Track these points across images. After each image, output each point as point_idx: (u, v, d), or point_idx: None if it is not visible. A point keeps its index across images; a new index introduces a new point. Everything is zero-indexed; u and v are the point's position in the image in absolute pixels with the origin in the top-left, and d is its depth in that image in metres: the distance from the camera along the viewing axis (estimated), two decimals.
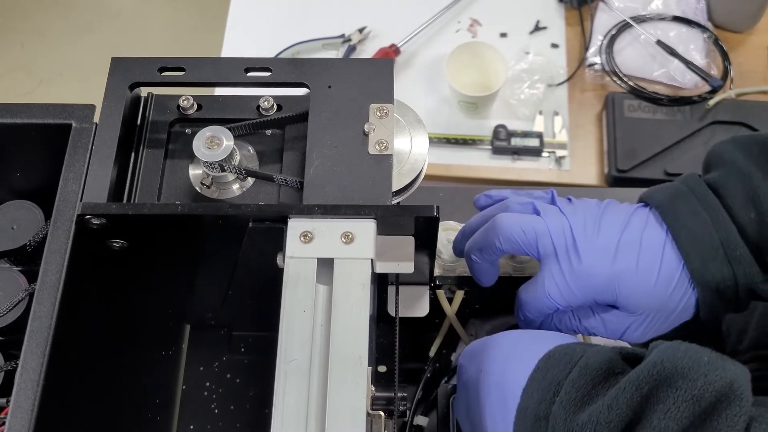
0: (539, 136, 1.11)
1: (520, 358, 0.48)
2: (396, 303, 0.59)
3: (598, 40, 1.19)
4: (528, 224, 0.54)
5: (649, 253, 0.52)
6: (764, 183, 0.51)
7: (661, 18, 1.19)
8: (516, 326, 0.63)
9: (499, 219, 0.55)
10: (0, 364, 0.56)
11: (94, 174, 0.53)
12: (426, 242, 0.53)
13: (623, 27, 1.19)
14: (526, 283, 0.57)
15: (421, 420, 0.66)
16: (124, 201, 0.54)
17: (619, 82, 1.15)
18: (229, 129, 0.53)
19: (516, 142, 1.11)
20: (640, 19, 1.19)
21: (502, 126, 1.12)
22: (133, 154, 0.56)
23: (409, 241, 0.52)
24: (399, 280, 0.61)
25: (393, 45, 1.18)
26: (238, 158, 0.55)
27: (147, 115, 0.58)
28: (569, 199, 0.57)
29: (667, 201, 0.53)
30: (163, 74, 0.56)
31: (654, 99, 1.12)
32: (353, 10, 1.24)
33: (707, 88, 1.12)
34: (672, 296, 0.52)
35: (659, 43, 1.16)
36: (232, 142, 0.53)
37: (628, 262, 0.52)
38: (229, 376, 0.72)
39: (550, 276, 0.54)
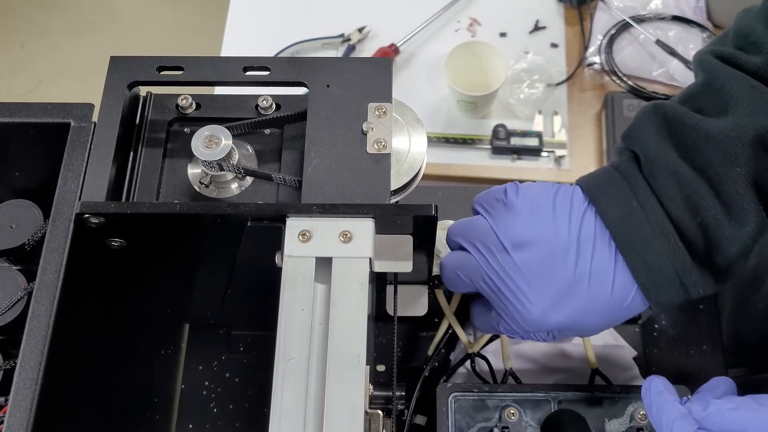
0: (539, 135, 1.11)
1: None
2: (394, 302, 0.59)
3: (597, 39, 1.19)
4: (462, 267, 0.54)
5: (600, 285, 0.51)
6: (698, 185, 0.48)
7: (661, 17, 1.19)
8: None
9: (443, 261, 0.56)
10: None
11: (93, 173, 0.53)
12: (424, 241, 0.53)
13: (623, 26, 1.19)
14: (477, 306, 0.58)
15: (419, 419, 0.66)
16: (123, 200, 0.54)
17: (618, 81, 1.15)
18: (228, 128, 0.53)
19: (515, 141, 1.11)
20: (640, 19, 1.19)
21: (502, 125, 1.12)
22: (131, 153, 0.56)
23: (407, 241, 0.52)
24: (397, 279, 0.61)
25: (392, 44, 1.18)
26: (237, 157, 0.55)
27: (146, 114, 0.58)
28: (504, 202, 0.54)
29: (619, 220, 0.50)
30: (162, 73, 0.56)
31: (653, 99, 1.11)
32: (353, 10, 1.24)
33: None
34: (623, 314, 0.52)
35: (658, 42, 1.16)
36: (230, 142, 0.53)
37: (577, 301, 0.51)
38: (228, 375, 0.72)
39: (497, 319, 0.55)
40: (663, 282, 0.50)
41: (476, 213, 0.56)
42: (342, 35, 1.21)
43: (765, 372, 0.75)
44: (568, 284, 0.51)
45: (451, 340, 0.67)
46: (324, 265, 0.49)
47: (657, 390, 0.50)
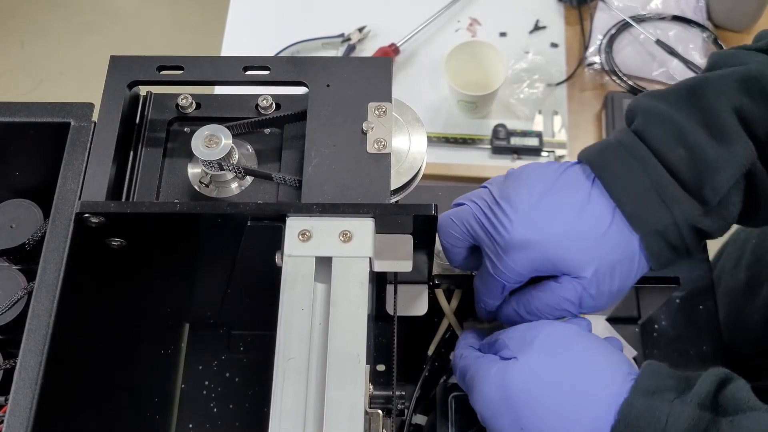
0: (539, 135, 1.11)
1: (575, 411, 0.47)
2: (394, 302, 0.59)
3: (597, 39, 1.19)
4: (456, 213, 0.55)
5: (576, 207, 0.52)
6: (686, 120, 0.51)
7: (661, 17, 1.19)
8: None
9: (439, 219, 0.56)
10: None
11: (93, 172, 0.53)
12: (424, 241, 0.53)
13: (623, 26, 1.19)
14: (478, 273, 0.58)
15: (419, 419, 0.66)
16: (123, 200, 0.54)
17: (618, 81, 1.15)
18: (228, 128, 0.53)
19: (515, 141, 1.11)
20: (640, 19, 1.19)
21: (502, 125, 1.12)
22: (131, 153, 0.56)
23: (407, 240, 0.52)
24: (397, 278, 0.61)
25: (392, 44, 1.18)
26: (237, 157, 0.55)
27: (146, 113, 0.58)
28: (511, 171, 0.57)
29: (596, 153, 0.54)
30: (162, 73, 0.56)
31: None
32: (353, 10, 1.24)
33: None
34: (610, 244, 0.52)
35: (659, 42, 1.16)
36: (230, 141, 0.53)
37: (555, 223, 0.52)
38: (228, 375, 0.72)
39: (487, 255, 0.54)
40: (639, 197, 0.51)
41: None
42: (342, 35, 1.21)
43: (758, 380, 0.75)
44: (547, 205, 0.53)
45: (451, 340, 0.67)
46: (324, 264, 0.49)
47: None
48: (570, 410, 0.47)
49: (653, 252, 0.52)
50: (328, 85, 0.55)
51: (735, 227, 0.94)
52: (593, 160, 0.54)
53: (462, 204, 0.56)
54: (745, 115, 0.51)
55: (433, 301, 0.64)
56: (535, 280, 0.55)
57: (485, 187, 0.57)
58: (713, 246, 0.94)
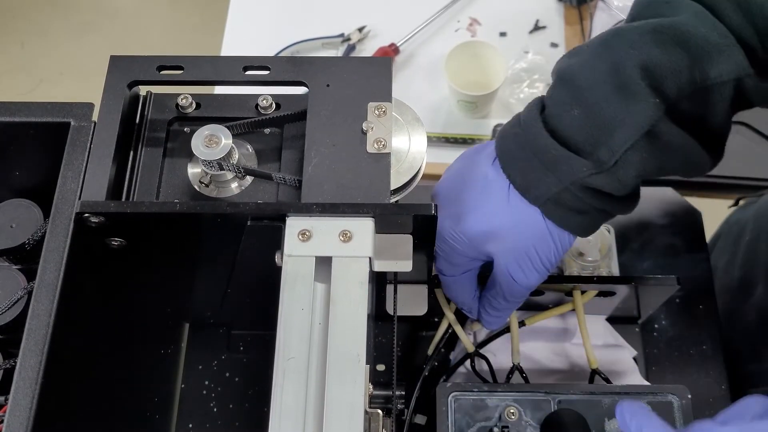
0: None
1: None
2: (394, 301, 0.59)
3: None
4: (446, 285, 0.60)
5: (478, 185, 0.53)
6: (590, 76, 0.48)
7: None
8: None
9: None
10: None
11: (93, 172, 0.53)
12: (424, 241, 0.53)
13: None
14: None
15: (419, 419, 0.66)
16: (123, 199, 0.54)
17: None
18: (228, 128, 0.53)
19: None
20: None
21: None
22: (131, 153, 0.56)
23: (407, 240, 0.52)
24: (397, 278, 0.61)
25: (392, 44, 1.18)
26: (237, 157, 0.55)
27: (146, 113, 0.58)
28: None
29: (503, 127, 0.54)
30: (161, 73, 0.56)
31: None
32: (353, 10, 1.23)
33: None
34: (516, 221, 0.52)
35: None
36: (230, 141, 0.53)
37: (462, 201, 0.54)
38: (228, 374, 0.72)
39: (440, 270, 0.58)
40: (523, 166, 0.51)
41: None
42: (342, 35, 1.21)
43: (753, 387, 0.75)
44: (458, 186, 0.55)
45: (451, 339, 0.67)
46: (324, 264, 0.49)
47: (634, 410, 0.47)
48: None
49: (558, 219, 0.51)
50: (328, 85, 0.55)
51: (725, 215, 0.94)
52: (497, 138, 0.54)
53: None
54: (654, 71, 0.47)
55: (433, 301, 0.64)
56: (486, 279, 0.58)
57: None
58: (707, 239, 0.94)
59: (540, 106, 0.52)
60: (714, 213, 0.96)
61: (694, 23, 0.47)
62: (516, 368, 0.63)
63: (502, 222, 0.53)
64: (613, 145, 0.48)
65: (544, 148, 0.49)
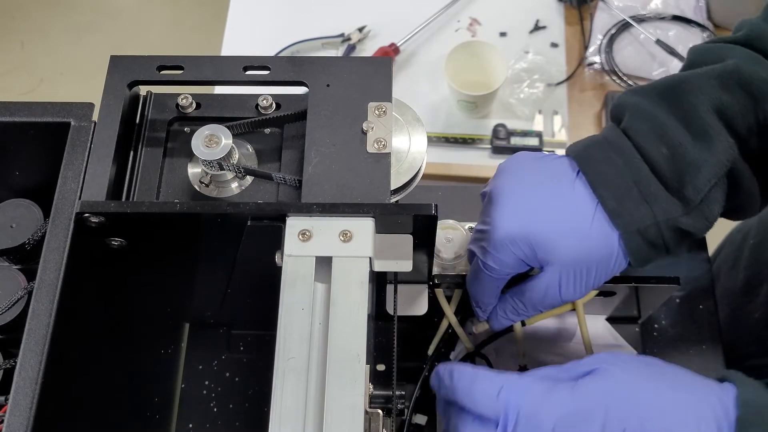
0: (539, 135, 1.11)
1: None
2: (394, 301, 0.59)
3: (597, 39, 1.19)
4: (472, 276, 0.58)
5: (560, 197, 0.53)
6: (669, 119, 0.51)
7: (661, 17, 1.19)
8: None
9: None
10: None
11: (93, 172, 0.53)
12: (425, 241, 0.53)
13: (623, 26, 1.19)
14: (469, 272, 0.59)
15: (419, 418, 0.66)
16: (123, 199, 0.54)
17: (618, 81, 1.15)
18: (228, 127, 0.53)
19: (515, 141, 1.11)
20: (640, 19, 1.19)
21: (502, 125, 1.12)
22: (131, 153, 0.56)
23: (407, 240, 0.52)
24: (397, 278, 0.61)
25: (393, 44, 1.18)
26: (237, 157, 0.55)
27: (146, 113, 0.58)
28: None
29: (582, 148, 0.54)
30: (162, 73, 0.56)
31: None
32: (353, 10, 1.24)
33: None
34: (591, 239, 0.52)
35: (659, 42, 1.16)
36: (230, 141, 0.53)
37: (539, 216, 0.53)
38: (228, 374, 0.72)
39: (478, 258, 0.56)
40: (621, 193, 0.51)
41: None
42: (342, 35, 1.21)
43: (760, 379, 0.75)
44: (532, 199, 0.54)
45: (451, 339, 0.67)
46: (324, 264, 0.49)
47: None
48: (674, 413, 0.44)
49: (632, 249, 0.52)
50: (328, 85, 0.55)
51: (731, 228, 0.94)
52: (579, 155, 0.54)
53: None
54: (724, 112, 0.51)
55: (433, 301, 0.64)
56: (516, 281, 0.57)
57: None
58: (717, 232, 0.94)
59: (623, 135, 0.53)
60: None
61: (753, 69, 0.52)
62: (522, 369, 0.63)
63: (578, 238, 0.53)
64: (698, 183, 0.50)
65: (646, 180, 0.51)
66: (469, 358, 0.65)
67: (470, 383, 0.48)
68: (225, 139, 0.52)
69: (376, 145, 0.53)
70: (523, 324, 0.65)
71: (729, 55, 0.54)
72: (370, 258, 0.49)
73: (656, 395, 0.45)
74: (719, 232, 0.95)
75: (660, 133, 0.51)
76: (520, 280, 0.58)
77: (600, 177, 0.52)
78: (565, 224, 0.53)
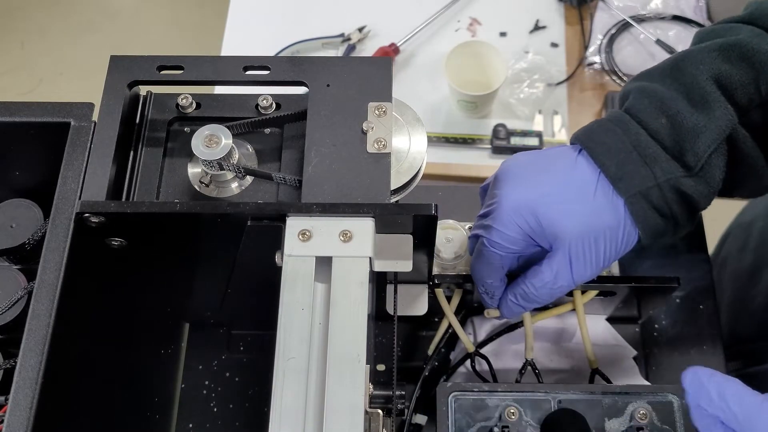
0: (539, 135, 1.11)
1: None
2: (394, 301, 0.59)
3: (597, 39, 1.19)
4: (478, 255, 0.58)
5: (570, 174, 0.54)
6: (668, 92, 0.53)
7: (661, 17, 1.19)
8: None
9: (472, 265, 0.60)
10: None
11: (93, 172, 0.53)
12: (425, 241, 0.53)
13: (623, 26, 1.19)
14: (473, 255, 0.59)
15: (419, 418, 0.66)
16: (123, 199, 0.54)
17: (618, 81, 1.14)
18: (228, 127, 0.53)
19: (515, 141, 1.11)
20: (640, 19, 1.19)
21: (502, 125, 1.12)
22: (131, 153, 0.56)
23: (407, 240, 0.52)
24: (397, 278, 0.61)
25: (393, 44, 1.18)
26: (237, 157, 0.55)
27: (146, 113, 0.58)
28: None
29: (583, 131, 0.56)
30: (162, 73, 0.56)
31: None
32: (353, 10, 1.24)
33: None
34: (596, 208, 0.53)
35: (659, 42, 1.16)
36: (230, 141, 0.53)
37: (543, 185, 0.54)
38: (228, 374, 0.72)
39: (482, 235, 0.56)
40: (621, 158, 0.53)
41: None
42: (342, 35, 1.21)
43: (759, 364, 0.75)
44: (535, 170, 0.56)
45: (451, 339, 0.67)
46: (324, 264, 0.49)
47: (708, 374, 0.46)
48: None
49: (639, 215, 0.53)
50: (328, 85, 0.55)
51: (740, 208, 0.94)
52: (579, 134, 0.56)
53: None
54: (725, 82, 0.52)
55: (433, 301, 0.64)
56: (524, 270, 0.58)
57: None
58: (717, 232, 0.94)
59: (622, 112, 0.55)
60: (715, 213, 0.96)
61: (756, 41, 0.52)
62: (528, 364, 0.63)
63: (583, 207, 0.54)
64: (698, 149, 0.52)
65: (645, 143, 0.53)
66: (469, 358, 0.65)
67: (750, 417, 0.43)
68: (225, 139, 0.52)
69: (376, 145, 0.53)
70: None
71: (732, 33, 0.55)
72: (370, 258, 0.49)
73: None
74: (720, 225, 0.95)
75: (659, 105, 0.53)
76: (527, 269, 0.58)
77: (600, 147, 0.54)
78: (569, 194, 0.54)
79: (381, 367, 0.64)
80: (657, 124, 0.53)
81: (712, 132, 0.51)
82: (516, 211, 0.54)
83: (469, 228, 0.65)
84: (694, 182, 0.52)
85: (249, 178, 0.56)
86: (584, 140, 0.55)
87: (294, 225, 0.49)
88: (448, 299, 0.65)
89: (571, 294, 0.64)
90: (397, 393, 0.54)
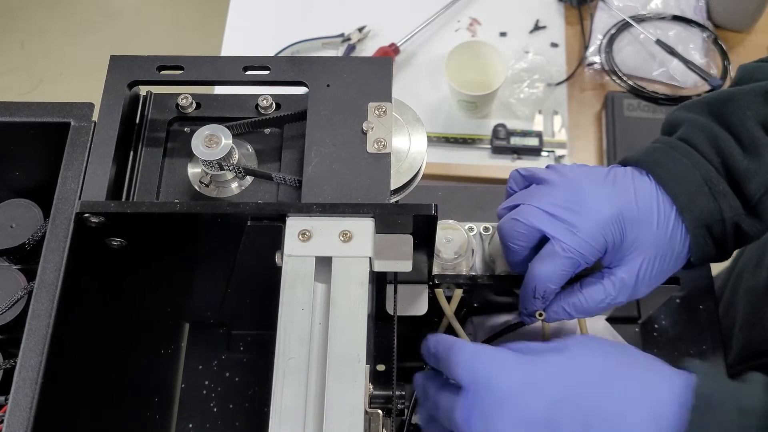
0: (539, 135, 1.11)
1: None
2: (394, 301, 0.59)
3: (597, 39, 1.19)
4: (518, 212, 0.56)
5: (643, 196, 0.55)
6: (721, 131, 0.55)
7: (661, 17, 1.19)
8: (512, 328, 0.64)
9: (501, 224, 0.58)
10: None
11: (93, 172, 0.53)
12: (424, 241, 0.53)
13: (623, 26, 1.19)
14: (537, 258, 0.57)
15: (419, 419, 0.66)
16: (123, 199, 0.54)
17: (618, 81, 1.15)
18: (228, 128, 0.53)
19: (515, 141, 1.11)
20: (640, 19, 1.19)
21: (502, 125, 1.12)
22: (131, 153, 0.56)
23: (407, 240, 0.52)
24: (397, 278, 0.61)
25: (393, 44, 1.18)
26: (237, 157, 0.55)
27: (146, 113, 0.58)
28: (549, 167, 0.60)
29: (644, 154, 0.57)
30: (162, 73, 0.56)
31: (653, 98, 1.12)
32: (353, 10, 1.24)
33: (707, 87, 1.12)
34: (665, 232, 0.55)
35: (659, 42, 1.16)
36: (230, 141, 0.53)
37: (628, 201, 0.55)
38: (228, 374, 0.72)
39: (557, 232, 0.55)
40: (692, 190, 0.55)
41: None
42: (342, 35, 1.21)
43: None
44: (608, 191, 0.56)
45: None
46: (324, 264, 0.49)
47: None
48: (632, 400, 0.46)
49: (698, 243, 0.55)
50: (328, 85, 0.55)
51: None
52: (642, 159, 0.57)
53: (515, 206, 0.58)
54: None
55: (433, 301, 0.64)
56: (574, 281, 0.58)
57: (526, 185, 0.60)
58: None
59: (683, 142, 0.57)
60: None
61: None
62: None
63: (654, 230, 0.55)
64: (748, 193, 0.55)
65: (716, 180, 0.55)
66: None
67: (448, 350, 0.51)
68: (225, 139, 0.52)
69: (376, 145, 0.53)
70: (523, 324, 0.65)
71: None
72: (370, 258, 0.49)
73: (617, 378, 0.47)
74: None
75: (713, 143, 0.55)
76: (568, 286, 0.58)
77: (669, 175, 0.55)
78: (641, 214, 0.55)
79: (381, 367, 0.64)
80: (716, 161, 0.55)
81: (762, 177, 0.54)
82: (607, 224, 0.55)
83: (470, 228, 0.65)
84: (753, 220, 0.55)
85: (249, 178, 0.56)
86: (650, 166, 0.56)
87: (294, 225, 0.49)
88: (448, 299, 0.65)
89: None
90: (397, 393, 0.54)
